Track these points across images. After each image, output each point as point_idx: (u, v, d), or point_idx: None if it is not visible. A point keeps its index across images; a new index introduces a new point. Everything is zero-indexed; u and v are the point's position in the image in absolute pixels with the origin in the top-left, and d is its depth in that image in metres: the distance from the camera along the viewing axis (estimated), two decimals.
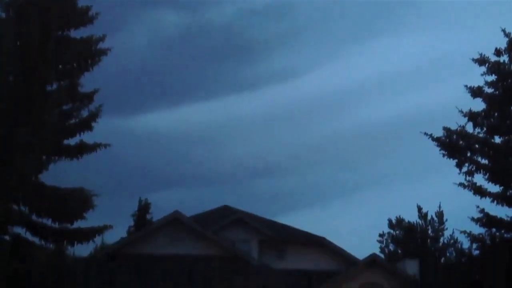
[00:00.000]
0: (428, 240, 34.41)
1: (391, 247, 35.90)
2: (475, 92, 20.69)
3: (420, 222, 35.09)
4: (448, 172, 21.98)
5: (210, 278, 22.48)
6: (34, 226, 18.17)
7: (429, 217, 34.87)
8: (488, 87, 20.75)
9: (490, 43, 21.16)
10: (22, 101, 17.33)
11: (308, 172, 54.67)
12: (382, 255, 32.14)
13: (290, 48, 55.93)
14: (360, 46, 56.79)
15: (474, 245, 20.77)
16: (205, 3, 51.01)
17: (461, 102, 20.88)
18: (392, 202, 49.72)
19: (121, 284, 21.63)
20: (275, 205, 51.28)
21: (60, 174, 18.75)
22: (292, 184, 53.36)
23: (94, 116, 18.93)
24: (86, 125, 18.96)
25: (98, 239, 20.09)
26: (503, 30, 20.73)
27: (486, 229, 20.30)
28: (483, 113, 20.64)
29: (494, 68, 20.62)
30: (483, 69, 20.71)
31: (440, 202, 34.57)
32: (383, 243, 36.00)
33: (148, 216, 33.06)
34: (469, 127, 20.66)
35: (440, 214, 34.68)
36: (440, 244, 34.09)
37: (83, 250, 19.84)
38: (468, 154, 20.44)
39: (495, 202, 20.16)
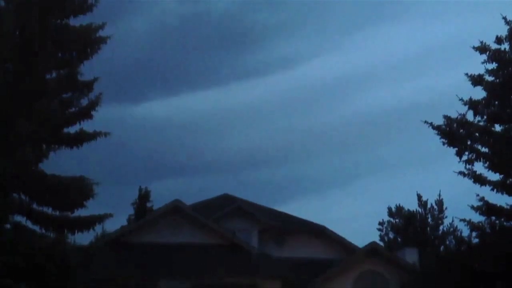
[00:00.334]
0: (428, 228, 34.55)
1: (391, 235, 36.06)
2: (476, 80, 20.64)
3: (420, 210, 35.23)
4: (448, 160, 22.01)
5: (210, 266, 22.54)
6: (34, 214, 18.21)
7: (429, 206, 35.00)
8: (489, 75, 20.69)
9: (491, 31, 21.11)
10: (22, 90, 17.28)
11: (309, 160, 54.76)
12: (381, 244, 32.27)
13: (291, 35, 55.89)
14: (362, 33, 56.77)
15: (474, 234, 20.79)
16: None
17: (462, 90, 20.87)
18: (392, 190, 49.93)
19: (121, 272, 21.68)
20: (275, 194, 51.44)
21: (60, 163, 18.78)
22: (292, 172, 53.49)
23: (94, 104, 18.91)
24: (86, 113, 18.95)
25: (98, 228, 20.11)
26: (504, 18, 20.64)
27: (485, 217, 20.32)
28: (483, 102, 20.59)
29: (494, 56, 20.54)
30: (484, 57, 20.66)
31: (440, 191, 34.71)
32: (382, 231, 36.17)
33: (148, 205, 33.17)
34: (470, 116, 20.65)
35: (440, 203, 34.79)
36: (440, 232, 34.24)
37: (83, 238, 19.87)
38: (468, 143, 20.41)
39: (495, 190, 20.16)
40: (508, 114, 20.49)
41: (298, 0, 53.77)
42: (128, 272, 21.59)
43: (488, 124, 20.74)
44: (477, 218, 20.34)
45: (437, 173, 45.67)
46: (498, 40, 20.69)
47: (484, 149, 20.39)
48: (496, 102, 20.71)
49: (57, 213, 18.40)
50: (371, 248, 25.66)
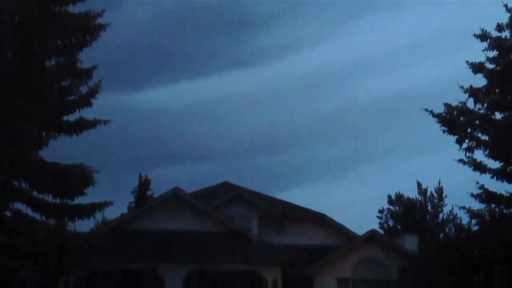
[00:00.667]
0: (428, 216, 34.63)
1: (391, 223, 36.16)
2: (476, 68, 20.59)
3: (420, 198, 35.30)
4: (448, 148, 22.02)
5: (210, 253, 22.61)
6: (34, 202, 18.23)
7: (428, 193, 35.08)
8: (490, 63, 20.64)
9: (492, 19, 21.02)
10: (21, 77, 17.25)
11: (308, 148, 54.77)
12: (381, 231, 32.35)
13: (291, 22, 55.62)
14: (362, 21, 56.50)
15: (473, 221, 20.84)
16: None
17: (462, 78, 20.83)
18: (392, 178, 49.97)
19: (122, 260, 21.77)
20: (275, 181, 51.46)
21: (60, 150, 18.78)
22: (292, 160, 53.50)
23: (93, 92, 18.86)
24: (85, 101, 18.91)
25: (99, 215, 20.17)
26: (505, 5, 20.56)
27: (485, 205, 20.35)
28: (484, 89, 20.55)
29: (495, 43, 20.48)
30: (485, 44, 20.59)
31: (439, 178, 34.76)
32: (382, 219, 36.29)
33: (148, 192, 33.25)
34: (470, 103, 20.61)
35: (439, 190, 34.86)
36: (439, 220, 34.33)
37: (84, 226, 19.93)
38: (469, 130, 20.40)
39: (495, 178, 20.18)
40: (509, 102, 20.46)
41: None
42: (128, 258, 21.67)
43: (489, 112, 20.71)
44: (476, 205, 20.40)
45: (437, 161, 45.73)
46: (499, 28, 20.62)
47: (484, 137, 20.39)
48: (497, 90, 20.67)
49: (57, 200, 18.42)
50: (371, 235, 25.75)
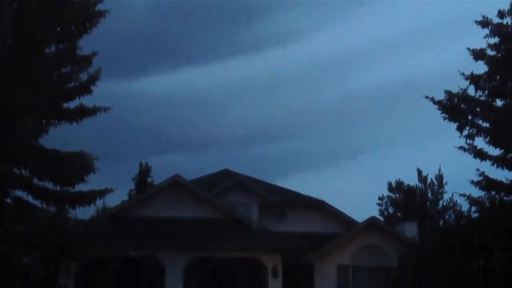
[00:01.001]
0: (428, 203, 34.70)
1: (391, 210, 36.23)
2: (477, 54, 20.52)
3: (420, 185, 35.35)
4: (449, 135, 22.00)
5: (210, 240, 22.66)
6: (35, 189, 18.23)
7: (428, 180, 35.14)
8: (491, 50, 20.57)
9: (493, 5, 20.92)
10: (21, 64, 17.19)
11: (309, 135, 54.78)
12: (381, 218, 32.42)
13: (292, 9, 55.42)
14: (363, 8, 56.25)
15: (473, 208, 20.85)
16: None
17: (463, 65, 20.77)
18: (392, 165, 50.02)
19: (122, 247, 21.82)
20: (275, 169, 51.53)
21: (60, 138, 18.77)
22: (292, 148, 53.54)
23: (93, 79, 18.81)
24: (85, 88, 18.86)
25: (99, 202, 20.21)
26: None
27: (485, 192, 20.36)
28: (485, 76, 20.49)
29: (497, 30, 20.40)
30: (486, 31, 20.51)
31: (440, 166, 34.80)
32: (382, 206, 36.36)
33: (149, 180, 33.33)
34: (471, 90, 20.56)
35: (439, 177, 34.92)
36: (440, 207, 34.40)
37: (84, 213, 19.96)
38: (469, 117, 20.36)
39: (495, 165, 20.17)
40: (510, 89, 20.41)
41: None
42: (129, 246, 21.73)
43: (489, 99, 20.67)
44: (476, 193, 20.41)
45: (437, 148, 45.77)
46: (500, 14, 20.53)
47: (485, 124, 20.35)
48: (498, 77, 20.61)
49: (58, 188, 18.42)
50: (371, 222, 25.80)
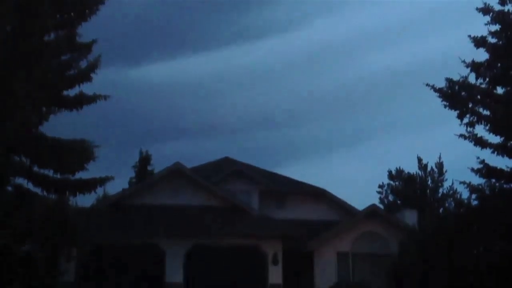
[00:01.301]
0: (428, 191, 34.73)
1: (391, 198, 36.28)
2: (479, 42, 20.42)
3: (420, 173, 35.37)
4: (449, 123, 22.00)
5: (211, 228, 22.71)
6: (35, 177, 18.25)
7: (429, 168, 35.16)
8: (492, 37, 20.47)
9: None
10: (21, 52, 17.12)
11: (309, 123, 54.75)
12: (381, 206, 32.48)
13: None
14: None
15: (473, 196, 20.85)
16: None
17: (464, 52, 20.69)
18: (392, 153, 50.07)
19: (123, 235, 21.88)
20: (276, 157, 51.54)
21: (60, 125, 18.75)
22: (292, 136, 53.52)
23: (93, 67, 18.75)
24: (85, 76, 18.81)
25: (99, 190, 20.23)
26: None
27: (485, 179, 20.36)
28: (486, 64, 20.41)
29: (498, 17, 20.28)
30: (487, 18, 20.40)
31: (440, 153, 34.81)
32: (382, 194, 36.40)
33: (149, 168, 33.29)
34: (472, 78, 20.49)
35: (440, 165, 34.93)
36: (440, 194, 34.43)
37: (85, 200, 19.99)
38: (470, 105, 20.32)
39: (496, 153, 20.16)
40: (511, 76, 20.34)
41: None
42: (129, 234, 21.79)
43: (490, 87, 20.60)
44: (477, 180, 20.40)
45: (437, 136, 45.78)
46: (502, 1, 20.41)
47: (486, 112, 20.31)
48: (499, 64, 20.52)
49: (58, 175, 18.44)
50: (371, 210, 25.85)
